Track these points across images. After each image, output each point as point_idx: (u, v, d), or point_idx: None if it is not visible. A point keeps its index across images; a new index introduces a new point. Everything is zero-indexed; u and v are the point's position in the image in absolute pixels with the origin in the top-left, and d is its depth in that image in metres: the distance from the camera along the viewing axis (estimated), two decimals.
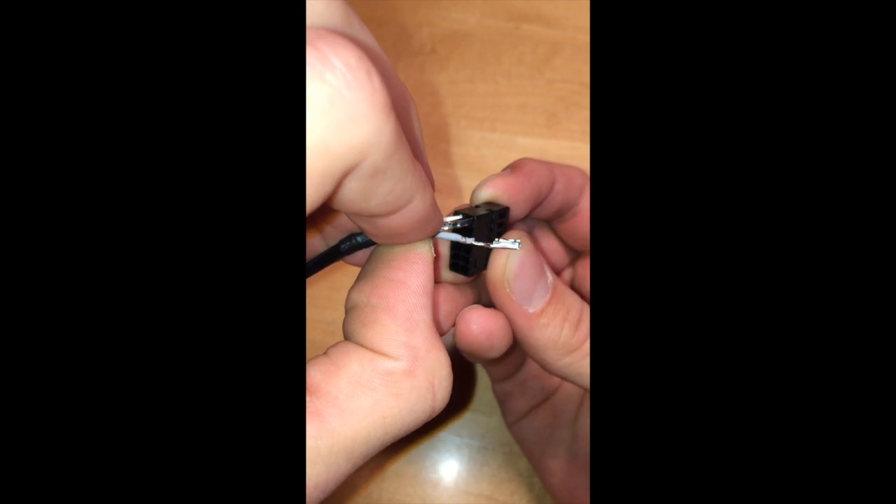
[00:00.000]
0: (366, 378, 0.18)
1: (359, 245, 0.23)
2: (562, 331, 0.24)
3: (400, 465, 0.40)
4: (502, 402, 0.36)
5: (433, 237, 0.22)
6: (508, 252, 0.24)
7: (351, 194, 0.16)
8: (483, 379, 0.42)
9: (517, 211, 0.25)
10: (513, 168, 0.26)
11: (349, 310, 0.21)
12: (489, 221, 0.24)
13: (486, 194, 0.24)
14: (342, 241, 0.23)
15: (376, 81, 0.14)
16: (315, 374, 0.18)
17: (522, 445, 0.36)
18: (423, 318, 0.20)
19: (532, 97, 0.50)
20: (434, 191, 0.20)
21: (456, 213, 0.23)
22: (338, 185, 0.15)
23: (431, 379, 0.19)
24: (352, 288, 0.21)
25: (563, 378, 0.25)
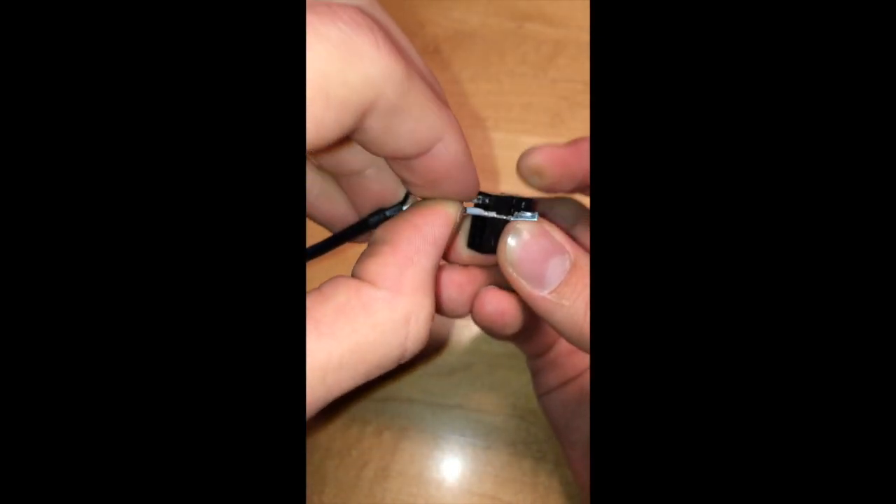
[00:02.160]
0: (350, 306, 0.19)
1: (387, 218, 0.23)
2: (587, 313, 0.23)
3: (404, 465, 0.40)
4: (534, 374, 0.37)
5: (463, 204, 0.22)
6: (514, 235, 0.23)
7: (374, 132, 0.17)
8: (487, 378, 0.42)
9: (560, 188, 0.25)
10: (573, 142, 0.25)
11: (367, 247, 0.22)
12: (508, 205, 0.24)
13: (532, 161, 0.25)
14: (371, 215, 0.24)
15: (379, 35, 0.16)
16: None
17: (548, 417, 0.37)
18: (422, 262, 0.20)
19: (536, 96, 0.50)
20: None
21: (479, 193, 0.24)
22: (361, 123, 0.17)
23: (409, 316, 0.19)
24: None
25: None
